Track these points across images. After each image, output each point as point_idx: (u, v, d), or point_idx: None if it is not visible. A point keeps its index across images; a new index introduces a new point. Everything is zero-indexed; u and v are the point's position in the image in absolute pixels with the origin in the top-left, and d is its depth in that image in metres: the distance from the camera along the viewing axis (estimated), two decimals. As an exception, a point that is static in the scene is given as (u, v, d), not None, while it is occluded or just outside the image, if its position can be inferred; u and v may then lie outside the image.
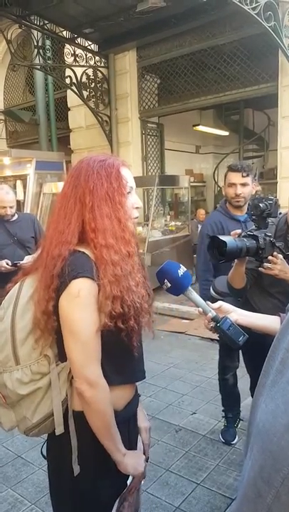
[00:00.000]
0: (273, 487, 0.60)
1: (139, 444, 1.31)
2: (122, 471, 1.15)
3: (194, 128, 9.76)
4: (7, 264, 3.23)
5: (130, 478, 1.19)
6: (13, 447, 2.79)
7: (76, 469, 1.12)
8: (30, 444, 2.77)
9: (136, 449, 1.28)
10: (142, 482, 1.29)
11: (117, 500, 1.17)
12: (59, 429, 1.12)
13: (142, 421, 1.34)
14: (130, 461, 1.16)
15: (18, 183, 7.48)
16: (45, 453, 1.28)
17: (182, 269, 1.23)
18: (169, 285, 1.22)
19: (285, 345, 0.70)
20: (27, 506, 2.26)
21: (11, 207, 3.45)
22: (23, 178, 7.50)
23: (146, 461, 1.27)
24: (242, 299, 2.10)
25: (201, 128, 9.84)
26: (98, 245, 1.10)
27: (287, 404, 0.62)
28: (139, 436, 1.32)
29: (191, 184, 8.13)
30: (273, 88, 5.87)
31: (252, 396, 2.46)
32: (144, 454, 1.31)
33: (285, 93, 5.67)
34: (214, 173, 10.84)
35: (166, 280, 1.23)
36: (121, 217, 1.14)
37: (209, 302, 1.32)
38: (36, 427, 1.14)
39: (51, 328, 1.11)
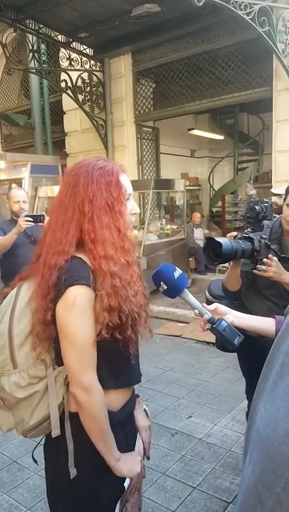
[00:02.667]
0: (274, 492, 0.59)
1: (138, 444, 1.31)
2: (118, 475, 1.14)
3: (189, 132, 9.80)
4: (28, 221, 3.12)
5: (128, 480, 1.19)
6: (9, 452, 2.77)
7: (72, 472, 1.12)
8: (25, 449, 2.75)
9: (134, 449, 1.27)
10: (142, 482, 1.29)
11: (118, 502, 1.17)
12: (55, 432, 1.13)
13: (141, 420, 1.35)
14: (125, 465, 1.15)
15: (13, 186, 7.47)
16: (36, 457, 1.28)
17: (178, 272, 1.24)
18: (165, 287, 1.23)
19: (284, 349, 0.70)
20: (22, 512, 2.24)
21: (24, 201, 3.43)
22: (18, 182, 7.49)
23: (148, 459, 1.27)
24: (237, 301, 2.10)
25: (196, 132, 9.88)
26: (97, 256, 1.10)
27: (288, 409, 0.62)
28: (138, 436, 1.33)
29: (187, 188, 8.14)
30: (268, 92, 5.91)
31: (247, 399, 2.45)
32: (144, 452, 1.32)
33: (280, 97, 5.71)
34: (209, 176, 10.89)
35: (162, 282, 1.23)
36: (120, 227, 1.13)
37: (205, 304, 1.33)
38: (34, 429, 1.15)
39: (49, 337, 1.11)
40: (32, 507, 2.27)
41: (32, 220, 3.16)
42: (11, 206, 3.47)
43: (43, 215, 3.23)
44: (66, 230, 1.12)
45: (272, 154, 5.98)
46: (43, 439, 1.26)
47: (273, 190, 4.43)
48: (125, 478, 1.18)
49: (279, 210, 3.77)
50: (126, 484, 1.18)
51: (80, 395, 1.07)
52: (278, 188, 4.30)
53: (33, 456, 1.29)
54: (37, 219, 3.18)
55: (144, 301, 1.19)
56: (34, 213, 3.07)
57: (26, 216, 3.18)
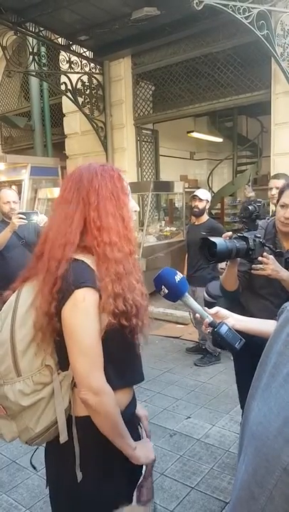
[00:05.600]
0: (267, 489, 0.61)
1: (142, 433, 1.35)
2: (135, 462, 1.17)
3: (188, 134, 9.82)
4: (21, 218, 3.11)
5: (144, 466, 1.22)
6: (8, 453, 2.78)
7: (79, 475, 1.13)
8: (24, 450, 2.76)
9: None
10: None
11: (136, 490, 1.20)
12: (63, 437, 1.12)
13: (140, 410, 1.38)
14: (141, 452, 1.18)
15: (13, 188, 7.48)
16: (38, 462, 1.29)
17: (179, 276, 1.25)
18: (166, 291, 1.24)
19: (277, 349, 0.72)
20: None
21: (14, 202, 3.43)
22: (18, 184, 7.50)
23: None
24: (235, 301, 2.12)
25: (195, 134, 9.91)
26: (102, 243, 1.11)
27: (280, 408, 0.64)
28: (141, 430, 1.35)
29: (186, 190, 8.16)
30: (266, 96, 5.94)
31: (240, 401, 2.47)
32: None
33: (278, 100, 5.74)
34: (208, 179, 10.91)
35: (163, 286, 1.24)
36: (124, 216, 1.17)
37: (206, 308, 1.33)
38: (39, 437, 1.14)
39: (53, 330, 1.10)
40: (31, 507, 2.28)
41: (25, 217, 3.16)
42: (1, 207, 3.45)
43: (36, 213, 3.25)
44: (70, 221, 1.13)
45: (270, 157, 6.00)
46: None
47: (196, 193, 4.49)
48: (127, 480, 1.20)
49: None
50: (143, 471, 1.22)
51: (91, 398, 1.07)
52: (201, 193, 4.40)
53: (31, 462, 1.30)
54: (30, 216, 3.19)
55: (145, 290, 1.21)
56: (26, 211, 3.07)
57: (19, 213, 3.19)
